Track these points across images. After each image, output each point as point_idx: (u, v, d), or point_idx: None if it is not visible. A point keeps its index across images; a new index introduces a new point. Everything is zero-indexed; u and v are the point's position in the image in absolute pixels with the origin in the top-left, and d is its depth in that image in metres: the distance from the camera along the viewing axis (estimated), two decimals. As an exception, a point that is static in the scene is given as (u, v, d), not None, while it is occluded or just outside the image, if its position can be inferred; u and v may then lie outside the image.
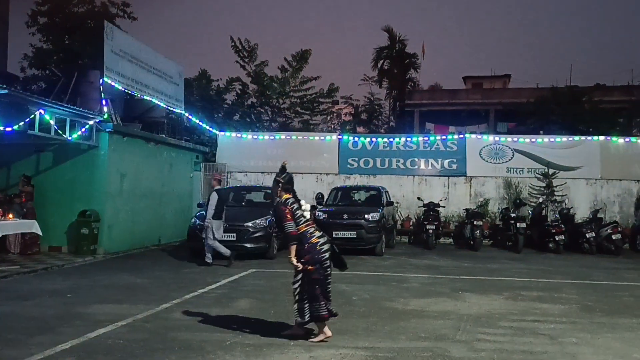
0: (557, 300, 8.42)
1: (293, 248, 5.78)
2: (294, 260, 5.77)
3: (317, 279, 5.77)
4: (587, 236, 14.62)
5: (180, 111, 17.56)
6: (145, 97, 15.04)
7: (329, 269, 5.87)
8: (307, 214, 6.26)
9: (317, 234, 5.91)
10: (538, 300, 8.39)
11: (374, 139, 18.59)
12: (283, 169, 6.17)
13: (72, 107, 12.14)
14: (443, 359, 5.34)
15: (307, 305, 5.78)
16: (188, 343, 5.74)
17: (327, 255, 5.84)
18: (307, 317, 5.80)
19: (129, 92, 14.34)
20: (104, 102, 13.06)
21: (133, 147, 14.08)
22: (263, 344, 5.74)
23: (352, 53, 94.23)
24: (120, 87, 13.65)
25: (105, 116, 12.89)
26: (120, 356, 5.31)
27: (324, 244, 5.86)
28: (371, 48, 41.95)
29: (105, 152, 13.03)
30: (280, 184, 6.01)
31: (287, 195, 5.97)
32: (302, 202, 6.18)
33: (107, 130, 12.93)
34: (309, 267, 5.73)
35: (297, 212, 5.90)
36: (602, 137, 17.76)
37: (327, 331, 5.84)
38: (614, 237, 14.59)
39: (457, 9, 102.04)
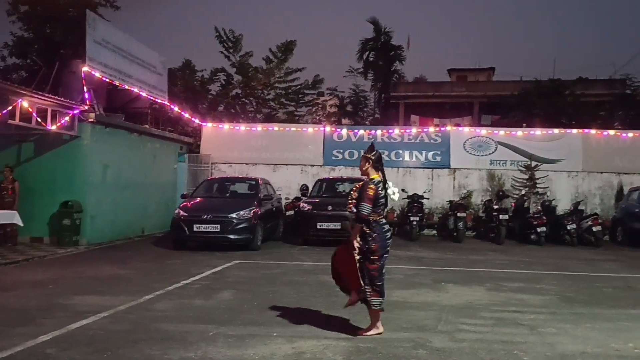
0: (537, 291, 8.53)
1: (358, 229, 5.67)
2: (356, 242, 5.66)
3: (375, 267, 5.69)
4: (568, 228, 14.80)
5: (164, 101, 17.44)
6: (128, 87, 14.90)
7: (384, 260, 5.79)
8: (395, 197, 6.03)
9: (384, 221, 5.80)
10: (519, 291, 8.48)
11: (357, 131, 18.62)
12: (372, 146, 6.04)
13: (53, 97, 12.01)
14: (424, 350, 5.38)
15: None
16: (170, 334, 5.73)
17: (389, 244, 5.82)
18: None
19: (112, 82, 14.19)
20: (86, 92, 12.91)
21: (116, 137, 13.96)
22: (246, 334, 5.75)
23: (337, 45, 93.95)
24: (102, 77, 13.51)
25: (87, 106, 12.75)
26: (102, 347, 5.28)
27: (388, 231, 5.80)
28: (356, 40, 41.96)
29: (88, 143, 12.93)
30: (370, 161, 5.84)
31: (376, 176, 5.81)
32: (390, 184, 5.92)
33: (89, 120, 12.82)
34: (372, 257, 5.65)
35: (381, 196, 5.73)
36: (583, 130, 17.98)
37: (380, 326, 5.81)
38: (594, 229, 14.75)
39: (443, 2, 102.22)
